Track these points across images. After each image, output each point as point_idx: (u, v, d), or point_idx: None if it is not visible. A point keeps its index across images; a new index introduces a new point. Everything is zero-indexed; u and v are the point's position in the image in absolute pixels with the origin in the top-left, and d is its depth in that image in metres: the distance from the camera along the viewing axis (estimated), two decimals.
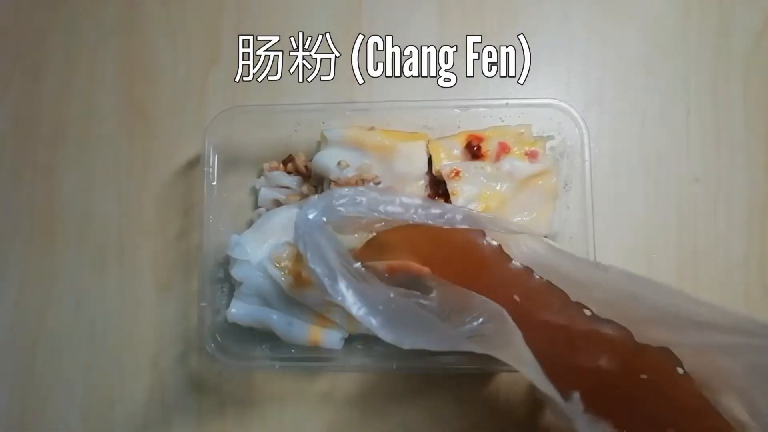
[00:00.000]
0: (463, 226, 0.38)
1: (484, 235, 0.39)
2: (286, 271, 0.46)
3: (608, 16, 0.54)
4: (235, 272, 0.46)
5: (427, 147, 0.48)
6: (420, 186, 0.48)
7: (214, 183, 0.48)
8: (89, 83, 0.55)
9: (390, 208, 0.37)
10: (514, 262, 0.38)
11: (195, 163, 0.53)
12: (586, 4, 0.54)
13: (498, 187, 0.47)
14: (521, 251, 0.39)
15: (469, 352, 0.33)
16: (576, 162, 0.47)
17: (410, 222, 0.38)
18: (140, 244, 0.53)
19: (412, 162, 0.48)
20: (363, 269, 0.35)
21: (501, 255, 0.38)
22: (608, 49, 0.54)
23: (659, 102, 0.53)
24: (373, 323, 0.33)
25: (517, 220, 0.46)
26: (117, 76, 0.56)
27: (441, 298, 0.37)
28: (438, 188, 0.48)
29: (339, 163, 0.47)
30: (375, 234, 0.40)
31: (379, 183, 0.47)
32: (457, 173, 0.46)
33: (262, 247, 0.47)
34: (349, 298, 0.33)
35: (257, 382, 0.51)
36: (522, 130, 0.48)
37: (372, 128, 0.48)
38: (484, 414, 0.49)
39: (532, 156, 0.47)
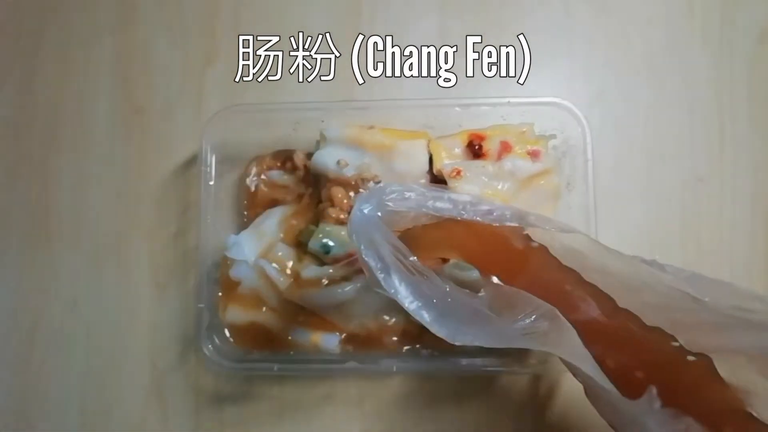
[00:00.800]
0: (512, 224, 0.37)
1: (527, 235, 0.38)
2: (285, 272, 0.46)
3: (610, 15, 0.54)
4: (233, 272, 0.46)
5: (428, 146, 0.47)
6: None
7: (212, 183, 0.48)
8: (85, 82, 0.55)
9: (439, 204, 0.37)
10: (560, 263, 0.37)
11: (192, 162, 0.53)
12: (586, 4, 0.54)
13: (500, 187, 0.46)
14: (567, 251, 0.38)
15: (480, 354, 0.32)
16: (578, 161, 0.47)
17: (456, 218, 0.38)
18: (137, 243, 0.52)
19: (413, 161, 0.47)
20: (419, 262, 0.35)
21: (546, 256, 0.37)
22: (610, 48, 0.54)
23: (662, 101, 0.53)
24: (426, 317, 0.33)
25: None
26: (113, 74, 0.55)
27: (490, 296, 0.36)
28: None
29: (338, 162, 0.47)
30: (414, 227, 0.40)
31: (379, 182, 0.47)
32: (459, 172, 0.46)
33: (259, 247, 0.47)
34: (402, 291, 0.33)
35: (255, 384, 0.50)
36: (524, 129, 0.47)
37: (372, 127, 0.48)
38: (484, 415, 0.49)
39: (534, 155, 0.47)
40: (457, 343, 0.32)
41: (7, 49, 0.56)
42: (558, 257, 0.37)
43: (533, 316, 0.33)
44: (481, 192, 0.46)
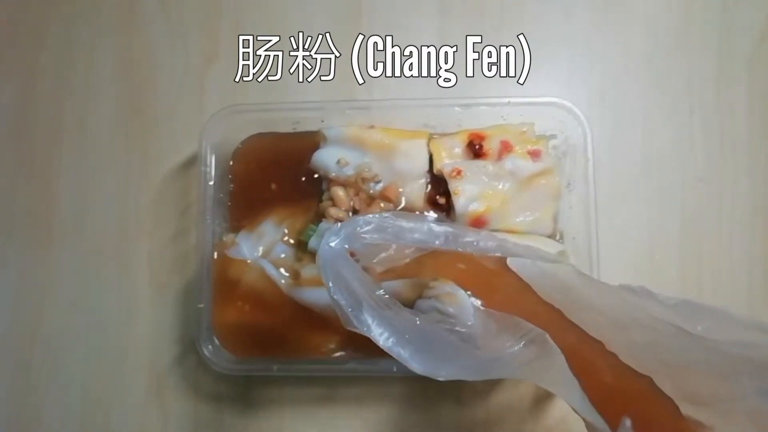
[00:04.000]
0: (496, 254, 0.37)
1: (508, 267, 0.37)
2: (285, 272, 0.46)
3: (610, 15, 0.54)
4: (232, 272, 0.46)
5: (428, 145, 0.47)
6: (421, 185, 0.47)
7: (212, 182, 0.48)
8: (86, 82, 0.55)
9: (417, 236, 0.36)
10: (544, 300, 0.36)
11: (192, 162, 0.53)
12: (586, 4, 0.54)
13: (500, 187, 0.46)
14: (552, 286, 0.36)
15: None
16: (579, 161, 0.47)
17: (441, 249, 0.37)
18: (137, 243, 0.52)
19: (413, 160, 0.47)
20: (386, 296, 0.34)
21: (528, 293, 0.37)
22: (610, 48, 0.54)
23: (662, 101, 0.53)
24: (403, 354, 0.32)
25: (520, 219, 0.46)
26: (114, 75, 0.55)
27: (481, 322, 0.35)
28: (439, 187, 0.47)
29: (338, 162, 0.47)
30: (415, 258, 0.39)
31: (379, 182, 0.47)
32: (459, 172, 0.46)
33: (258, 247, 0.47)
34: (374, 328, 0.32)
35: (255, 384, 0.50)
36: (524, 129, 0.47)
37: (372, 126, 0.48)
38: (483, 416, 0.49)
39: (534, 155, 0.47)
40: (441, 379, 0.31)
41: (9, 50, 0.56)
42: (544, 292, 0.36)
43: (522, 342, 0.32)
44: (481, 191, 0.46)
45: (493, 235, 0.39)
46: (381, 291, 0.34)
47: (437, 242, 0.36)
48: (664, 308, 0.31)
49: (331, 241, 0.35)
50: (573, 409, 0.31)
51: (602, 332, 0.34)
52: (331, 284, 0.33)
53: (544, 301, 0.36)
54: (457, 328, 0.36)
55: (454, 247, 0.36)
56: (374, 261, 0.38)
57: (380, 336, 0.32)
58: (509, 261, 0.38)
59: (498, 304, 0.37)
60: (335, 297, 0.33)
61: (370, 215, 0.36)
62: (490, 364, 0.32)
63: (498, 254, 0.37)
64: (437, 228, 0.37)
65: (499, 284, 0.38)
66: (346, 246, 0.35)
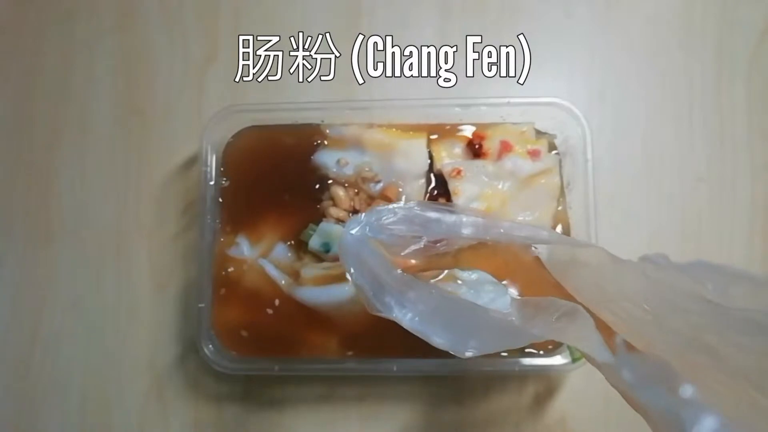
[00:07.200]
0: (525, 242, 0.36)
1: (538, 259, 0.38)
2: (285, 272, 0.46)
3: (609, 15, 0.54)
4: (232, 271, 0.46)
5: (428, 144, 0.47)
6: (421, 185, 0.47)
7: (212, 182, 0.48)
8: (86, 82, 0.55)
9: (445, 227, 0.35)
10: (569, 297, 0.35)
11: (193, 162, 0.53)
12: (586, 4, 0.54)
13: (500, 186, 0.46)
14: (583, 278, 0.35)
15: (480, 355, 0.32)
16: (578, 161, 0.47)
17: (473, 239, 0.36)
18: (137, 243, 0.52)
19: (413, 160, 0.47)
20: (404, 275, 0.33)
21: (559, 287, 0.36)
22: (610, 48, 0.54)
23: (662, 101, 0.53)
24: (428, 332, 0.31)
25: (520, 219, 0.46)
26: (114, 74, 0.55)
27: (517, 310, 0.35)
28: (439, 187, 0.47)
29: (338, 161, 0.47)
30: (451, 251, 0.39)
31: (379, 182, 0.47)
32: (459, 172, 0.46)
33: (258, 247, 0.47)
34: (397, 310, 0.32)
35: (255, 384, 0.50)
36: (524, 129, 0.47)
37: (371, 126, 0.48)
38: (483, 416, 0.49)
39: (534, 154, 0.47)
40: (468, 355, 0.31)
41: (8, 50, 0.56)
42: (573, 286, 0.36)
43: (555, 316, 0.32)
44: (481, 191, 0.46)
45: (524, 224, 0.39)
46: (399, 270, 0.33)
47: (465, 232, 0.35)
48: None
49: (352, 228, 0.34)
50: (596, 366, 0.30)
51: (634, 327, 0.33)
52: (353, 270, 0.33)
53: (573, 297, 0.35)
54: (493, 314, 0.35)
55: (483, 237, 0.36)
56: (403, 253, 0.37)
57: (404, 317, 0.32)
58: (541, 257, 0.38)
59: (534, 293, 0.37)
60: (358, 282, 0.33)
61: (394, 205, 0.36)
62: (518, 330, 0.32)
63: (529, 242, 0.36)
64: (465, 218, 0.36)
65: (536, 277, 0.38)
66: (369, 234, 0.34)
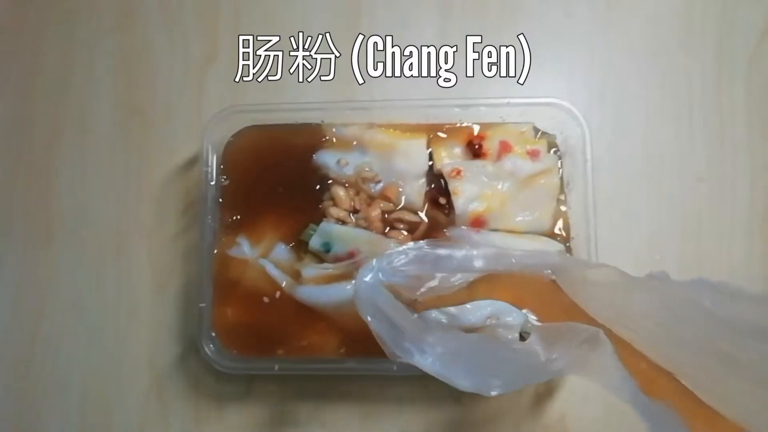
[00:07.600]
0: (537, 270, 0.36)
1: (554, 282, 0.37)
2: (285, 271, 0.46)
3: (609, 15, 0.54)
4: (233, 271, 0.46)
5: (428, 144, 0.47)
6: (421, 185, 0.47)
7: (213, 182, 0.48)
8: (86, 82, 0.55)
9: (456, 263, 0.35)
10: (591, 317, 0.35)
11: (193, 162, 0.53)
12: (586, 4, 0.54)
13: (500, 186, 0.46)
14: (598, 299, 0.36)
15: None
16: (578, 161, 0.47)
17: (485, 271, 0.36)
18: (137, 243, 0.52)
19: (412, 160, 0.47)
20: (421, 319, 0.34)
21: (578, 309, 0.36)
22: (609, 48, 0.54)
23: (662, 101, 0.53)
24: (450, 375, 0.31)
25: (519, 219, 0.46)
26: (114, 75, 0.55)
27: (539, 337, 0.35)
28: (439, 187, 0.47)
29: (338, 162, 0.47)
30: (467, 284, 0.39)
31: (379, 182, 0.47)
32: (459, 172, 0.46)
33: (259, 246, 0.47)
34: (417, 356, 0.32)
35: (256, 384, 0.50)
36: (524, 129, 0.48)
37: (371, 126, 0.48)
38: (483, 416, 0.49)
39: (533, 155, 0.47)
40: (493, 394, 0.31)
41: (8, 50, 0.56)
42: (591, 307, 0.35)
43: (575, 342, 0.32)
44: (481, 191, 0.46)
45: (534, 252, 0.38)
46: (415, 315, 0.34)
47: (477, 265, 0.35)
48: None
49: (365, 276, 0.34)
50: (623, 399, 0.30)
51: (651, 342, 0.33)
52: (369, 318, 0.34)
53: (591, 317, 0.36)
54: (515, 346, 0.36)
55: (494, 268, 0.36)
56: (419, 293, 0.37)
57: (425, 362, 0.32)
58: (557, 279, 0.38)
59: (553, 318, 0.37)
60: (376, 330, 0.33)
61: (404, 246, 0.36)
62: (541, 365, 0.32)
63: (541, 269, 0.36)
64: (476, 251, 0.36)
65: (553, 300, 0.38)
66: (382, 278, 0.35)
